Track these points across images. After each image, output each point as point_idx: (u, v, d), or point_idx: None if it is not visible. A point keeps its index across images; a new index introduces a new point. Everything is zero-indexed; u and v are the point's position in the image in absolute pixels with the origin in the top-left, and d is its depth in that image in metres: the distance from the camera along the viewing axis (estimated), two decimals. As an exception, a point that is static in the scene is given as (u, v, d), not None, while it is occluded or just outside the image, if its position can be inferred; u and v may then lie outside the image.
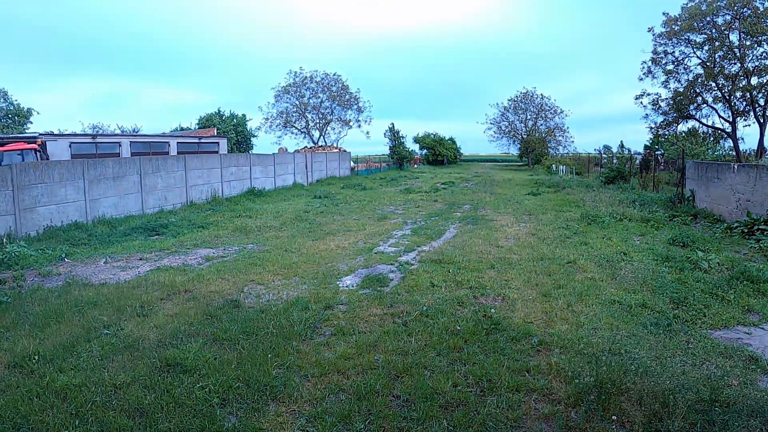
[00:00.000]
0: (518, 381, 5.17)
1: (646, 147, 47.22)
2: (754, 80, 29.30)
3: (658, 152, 36.73)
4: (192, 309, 7.55)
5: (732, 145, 31.96)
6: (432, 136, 77.81)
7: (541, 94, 74.63)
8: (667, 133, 35.30)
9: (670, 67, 32.10)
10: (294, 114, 60.75)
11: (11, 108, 48.45)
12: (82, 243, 13.49)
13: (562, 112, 73.74)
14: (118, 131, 57.25)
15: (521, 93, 75.48)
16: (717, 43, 29.32)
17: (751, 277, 8.73)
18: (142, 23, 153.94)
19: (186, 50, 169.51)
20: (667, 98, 33.11)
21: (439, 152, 76.50)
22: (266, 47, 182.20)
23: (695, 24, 29.21)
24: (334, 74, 59.98)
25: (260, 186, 28.07)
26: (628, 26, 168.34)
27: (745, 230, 13.43)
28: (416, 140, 76.29)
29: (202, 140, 38.24)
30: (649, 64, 32.74)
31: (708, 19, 28.93)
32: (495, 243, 12.58)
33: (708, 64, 30.26)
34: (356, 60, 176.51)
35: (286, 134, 61.26)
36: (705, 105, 32.12)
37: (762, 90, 28.87)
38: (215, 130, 45.46)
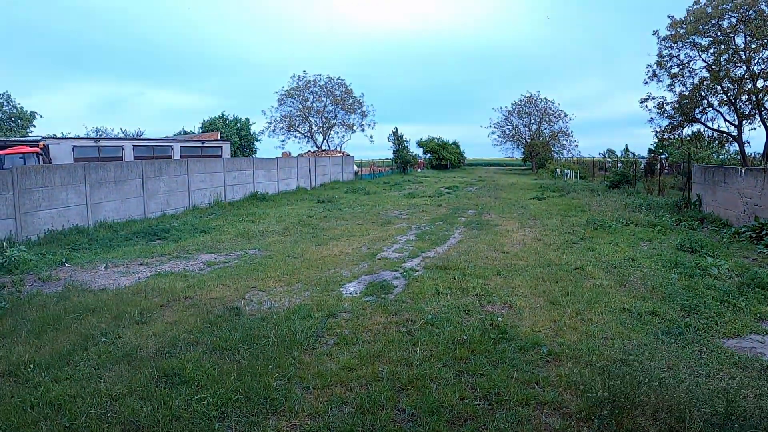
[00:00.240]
0: (527, 394, 4.99)
1: (650, 151, 46.97)
2: (760, 83, 29.09)
3: (662, 156, 36.51)
4: (192, 316, 7.40)
5: (737, 148, 31.74)
6: (435, 140, 77.73)
7: (545, 98, 74.62)
8: (671, 136, 35.06)
9: (675, 70, 31.87)
10: (297, 118, 60.73)
11: (14, 111, 48.59)
12: (82, 247, 13.38)
13: (566, 116, 73.65)
14: (121, 135, 57.30)
15: (525, 97, 75.44)
16: (722, 46, 29.11)
17: (762, 284, 8.56)
18: (146, 27, 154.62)
19: (190, 54, 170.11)
20: (672, 102, 32.89)
21: (443, 156, 76.38)
22: (270, 51, 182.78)
23: (701, 27, 29.00)
24: (338, 78, 60.01)
25: (263, 190, 27.95)
26: (631, 30, 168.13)
27: (753, 235, 13.29)
28: (420, 144, 76.22)
29: (205, 144, 38.22)
30: (654, 67, 32.52)
31: (713, 22, 28.73)
32: (501, 249, 12.41)
33: (713, 67, 30.03)
34: (360, 64, 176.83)
35: (289, 138, 61.29)
36: (710, 108, 31.90)
37: (768, 93, 28.71)
38: (218, 134, 45.45)
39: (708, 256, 11.06)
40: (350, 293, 8.70)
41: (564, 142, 73.59)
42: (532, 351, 6.03)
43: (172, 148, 34.44)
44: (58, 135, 34.28)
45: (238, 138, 53.06)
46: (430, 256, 11.69)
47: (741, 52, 28.92)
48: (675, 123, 33.69)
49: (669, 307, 7.72)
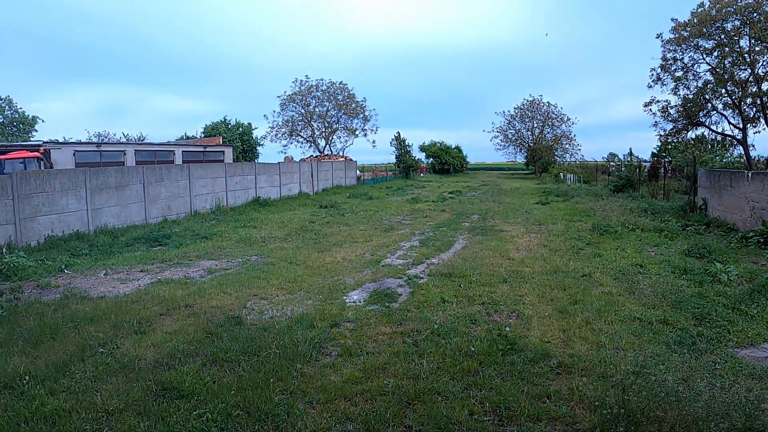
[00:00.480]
0: (539, 408, 4.81)
1: (653, 154, 46.84)
2: (764, 86, 28.83)
3: (665, 160, 36.28)
4: (192, 326, 7.23)
5: (742, 152, 31.49)
6: (438, 144, 77.61)
7: (548, 102, 74.32)
8: (675, 140, 34.82)
9: (680, 73, 31.62)
10: (300, 123, 60.56)
11: (16, 116, 48.63)
12: (82, 253, 13.24)
13: (568, 119, 73.32)
14: (123, 139, 57.33)
15: (527, 101, 75.19)
16: (727, 49, 28.91)
17: (773, 291, 8.36)
18: (148, 32, 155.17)
19: (192, 59, 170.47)
20: (676, 105, 32.65)
21: (446, 161, 76.24)
22: (272, 56, 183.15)
23: (705, 30, 28.78)
24: (340, 83, 59.88)
25: (265, 195, 27.83)
26: (633, 34, 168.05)
27: (761, 240, 13.16)
28: (422, 149, 76.13)
29: (207, 149, 38.16)
30: (658, 70, 32.25)
31: (717, 24, 28.54)
32: (506, 255, 12.22)
33: (718, 70, 29.83)
34: (362, 69, 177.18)
35: (291, 143, 61.04)
36: (715, 112, 31.64)
37: (773, 96, 28.45)
38: (221, 139, 45.39)
39: (716, 261, 10.87)
40: (354, 302, 8.52)
41: (567, 146, 73.31)
42: (541, 363, 5.84)
43: (174, 153, 34.38)
44: (60, 140, 34.22)
45: (241, 143, 53.02)
46: (434, 263, 11.51)
47: (745, 55, 28.69)
48: (679, 126, 33.44)
49: (680, 315, 7.53)
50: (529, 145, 75.96)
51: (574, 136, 73.93)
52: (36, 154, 20.61)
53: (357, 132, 61.66)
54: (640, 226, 16.15)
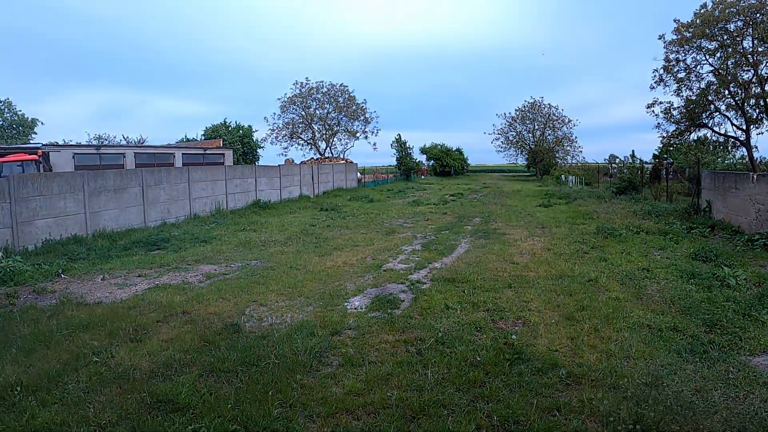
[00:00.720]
0: (548, 422, 4.61)
1: (654, 156, 46.57)
2: (768, 87, 28.68)
3: (667, 161, 36.04)
4: (189, 333, 7.04)
5: (745, 153, 31.32)
6: (439, 146, 77.46)
7: (549, 104, 74.34)
8: (678, 142, 34.59)
9: (682, 74, 31.40)
10: (300, 125, 60.42)
11: (15, 119, 48.52)
12: (80, 257, 13.06)
13: (570, 121, 73.31)
14: (123, 142, 57.20)
15: (529, 103, 75.21)
16: (730, 50, 28.72)
17: (783, 296, 8.17)
18: (148, 34, 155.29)
19: (193, 61, 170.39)
20: (679, 107, 32.42)
21: (447, 163, 76.08)
22: (273, 59, 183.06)
23: (707, 30, 28.58)
24: (341, 85, 59.73)
25: (266, 198, 27.65)
26: (635, 35, 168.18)
27: None
28: (423, 151, 75.95)
29: (207, 151, 38.01)
30: (661, 72, 32.02)
31: (720, 25, 28.34)
32: (510, 259, 12.02)
33: (720, 71, 29.62)
34: (363, 71, 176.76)
35: (292, 145, 60.89)
36: (717, 113, 31.42)
37: (776, 97, 28.24)
38: (221, 142, 45.27)
39: (724, 265, 10.67)
40: (355, 308, 8.32)
41: (568, 147, 73.29)
42: (550, 373, 5.63)
43: (174, 156, 34.24)
44: (59, 142, 34.08)
45: (241, 145, 52.89)
46: (437, 268, 11.32)
47: (749, 56, 28.50)
48: (682, 128, 33.22)
49: (690, 321, 7.33)
50: (530, 147, 75.88)
51: (576, 138, 73.88)
52: (34, 156, 20.45)
53: (358, 134, 61.54)
54: (645, 228, 15.96)
